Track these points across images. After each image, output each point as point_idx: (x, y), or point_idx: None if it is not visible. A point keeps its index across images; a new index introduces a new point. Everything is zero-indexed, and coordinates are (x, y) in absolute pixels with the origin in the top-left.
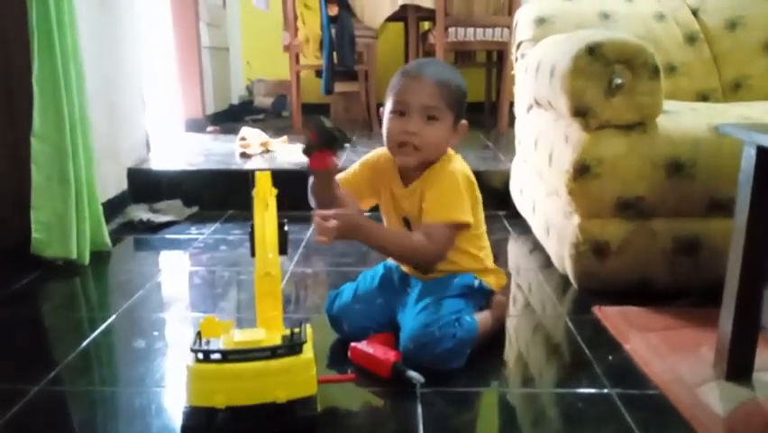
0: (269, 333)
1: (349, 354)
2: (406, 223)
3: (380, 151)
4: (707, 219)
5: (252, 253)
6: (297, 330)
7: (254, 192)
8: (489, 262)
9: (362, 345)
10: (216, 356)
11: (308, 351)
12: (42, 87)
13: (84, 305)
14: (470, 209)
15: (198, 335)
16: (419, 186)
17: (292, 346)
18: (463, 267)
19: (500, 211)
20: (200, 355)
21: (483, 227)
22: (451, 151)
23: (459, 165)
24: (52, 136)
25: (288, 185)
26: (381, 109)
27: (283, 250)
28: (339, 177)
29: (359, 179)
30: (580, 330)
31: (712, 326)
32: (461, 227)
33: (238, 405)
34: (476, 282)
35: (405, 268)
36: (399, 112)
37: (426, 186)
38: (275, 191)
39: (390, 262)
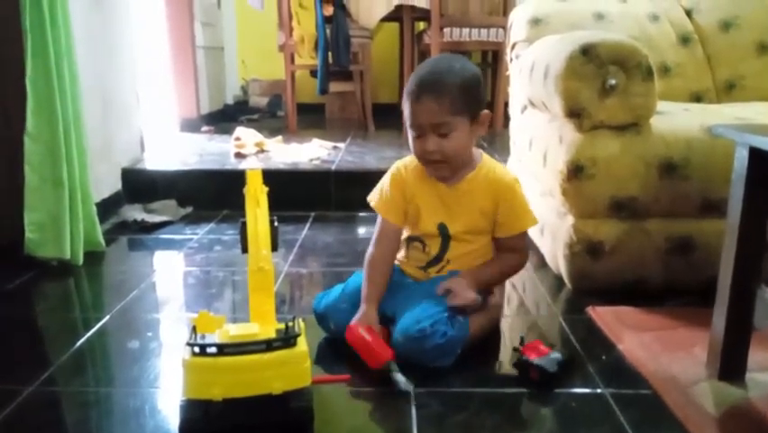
0: (263, 327)
1: (346, 334)
2: (442, 230)
3: (399, 162)
4: (700, 219)
5: (243, 250)
6: (290, 324)
7: (245, 190)
8: None
9: (363, 330)
10: (213, 350)
11: (302, 343)
12: (36, 87)
13: (78, 305)
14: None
15: (194, 329)
16: (468, 186)
17: (287, 339)
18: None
19: None
20: (196, 349)
21: None
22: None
23: (507, 171)
24: (46, 137)
25: (283, 185)
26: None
27: (274, 246)
28: (377, 207)
29: (398, 201)
30: (573, 330)
31: (705, 325)
32: None
33: (234, 397)
34: None
35: (405, 267)
36: (416, 135)
37: (494, 197)
38: (266, 189)
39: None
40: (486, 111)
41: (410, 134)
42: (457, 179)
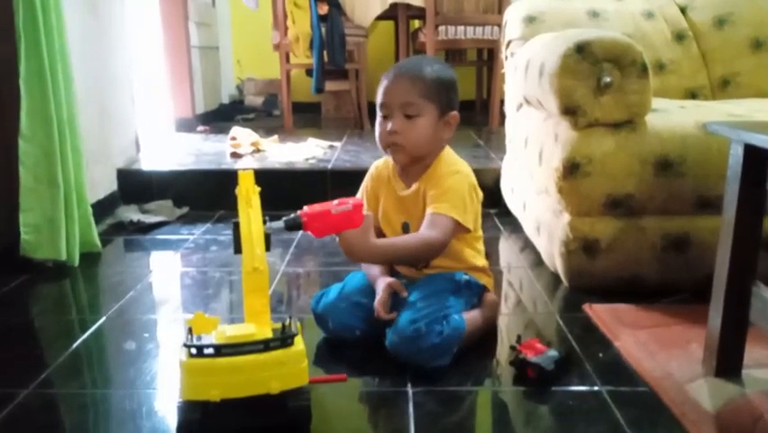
0: (258, 327)
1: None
2: (405, 229)
3: (377, 162)
4: (695, 216)
5: (236, 250)
6: (287, 323)
7: (237, 191)
8: (483, 263)
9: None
10: (210, 351)
11: (299, 343)
12: (30, 89)
13: (74, 307)
14: (471, 216)
15: (190, 331)
16: (422, 185)
17: (284, 339)
18: (458, 268)
19: (492, 209)
20: (193, 350)
21: (480, 231)
22: (450, 151)
23: (462, 168)
24: (40, 138)
25: (279, 185)
26: None
27: (266, 247)
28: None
29: (370, 200)
30: (570, 328)
31: (701, 322)
32: (460, 229)
33: (232, 398)
34: (467, 279)
35: (398, 268)
36: (384, 115)
37: (430, 184)
38: (258, 189)
39: None
40: (455, 113)
41: (377, 119)
42: (412, 179)
